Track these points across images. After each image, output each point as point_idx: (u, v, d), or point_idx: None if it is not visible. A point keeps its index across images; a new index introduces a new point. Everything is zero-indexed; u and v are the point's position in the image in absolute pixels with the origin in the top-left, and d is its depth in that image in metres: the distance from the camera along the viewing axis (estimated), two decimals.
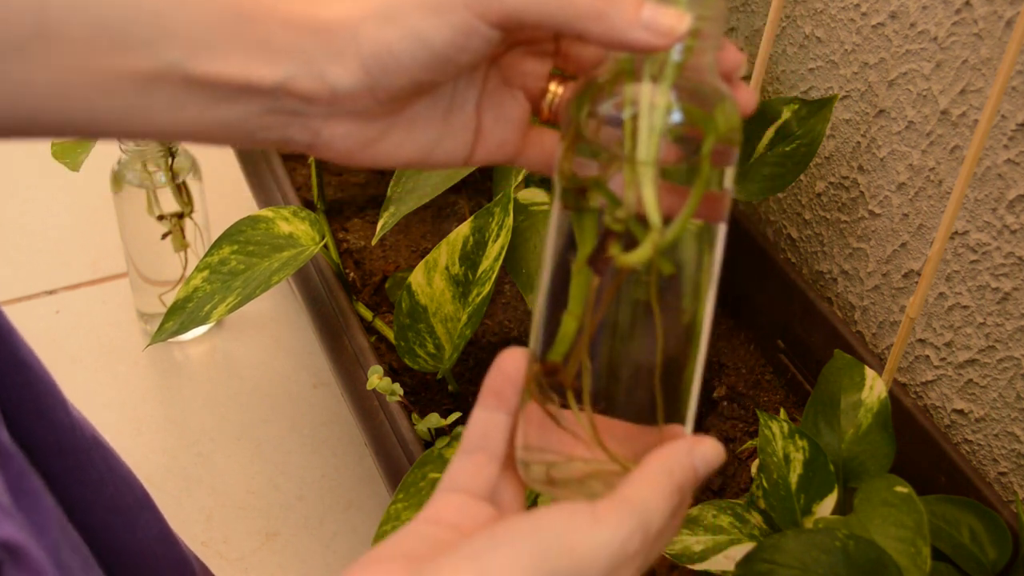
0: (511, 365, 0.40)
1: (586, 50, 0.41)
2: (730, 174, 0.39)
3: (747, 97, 0.39)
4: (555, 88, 0.42)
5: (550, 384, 0.39)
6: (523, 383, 0.40)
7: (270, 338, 1.06)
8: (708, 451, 0.38)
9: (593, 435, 0.38)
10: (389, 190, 0.80)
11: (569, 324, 0.38)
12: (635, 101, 0.37)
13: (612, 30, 0.35)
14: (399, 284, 0.93)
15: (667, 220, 0.37)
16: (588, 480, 0.39)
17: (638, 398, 0.39)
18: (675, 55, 0.37)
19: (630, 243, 0.37)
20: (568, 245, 0.39)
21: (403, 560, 0.35)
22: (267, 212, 0.85)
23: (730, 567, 0.62)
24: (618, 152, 0.37)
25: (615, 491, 0.36)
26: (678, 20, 0.35)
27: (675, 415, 0.39)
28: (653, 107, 0.36)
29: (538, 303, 0.40)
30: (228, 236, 0.83)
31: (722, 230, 0.39)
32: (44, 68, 0.35)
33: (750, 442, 0.83)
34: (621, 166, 0.37)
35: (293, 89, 0.37)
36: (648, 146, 0.36)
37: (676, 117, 0.37)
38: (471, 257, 0.77)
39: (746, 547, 0.63)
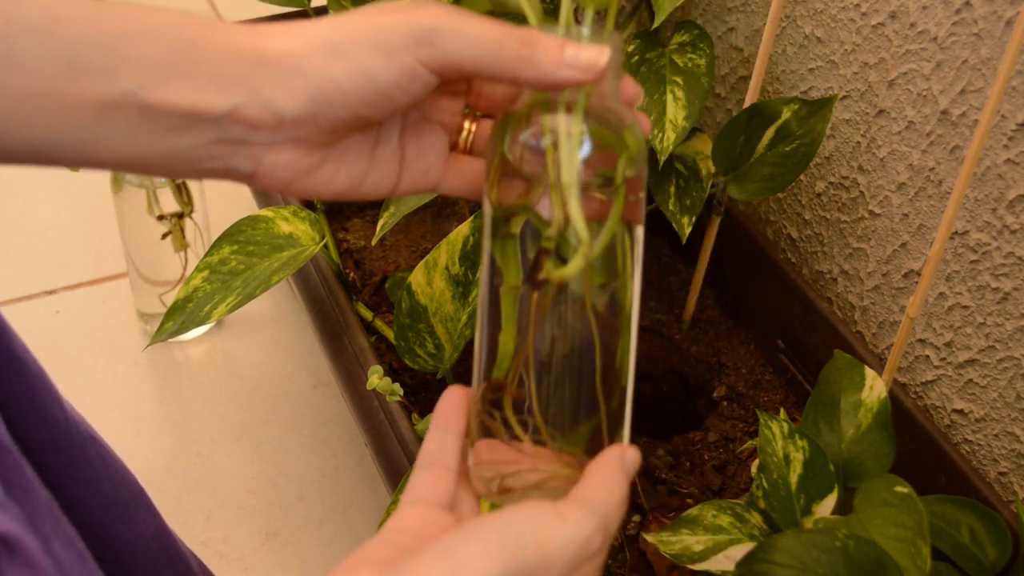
0: (458, 393, 0.44)
1: (496, 89, 0.45)
2: (642, 183, 0.43)
3: (645, 123, 0.43)
4: (469, 126, 0.46)
5: (495, 401, 0.42)
6: (470, 403, 0.43)
7: (270, 338, 1.06)
8: (632, 456, 0.42)
9: (539, 447, 0.41)
10: None
11: (506, 343, 0.41)
12: (553, 129, 0.40)
13: (541, 73, 0.39)
14: (399, 284, 0.93)
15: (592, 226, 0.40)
16: (539, 488, 0.41)
17: (579, 404, 0.42)
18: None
19: (558, 259, 0.40)
20: (496, 271, 0.42)
21: (375, 564, 0.37)
22: (267, 212, 0.85)
23: (730, 567, 0.62)
24: (543, 177, 0.40)
25: (573, 492, 0.39)
26: (598, 54, 0.39)
27: (615, 416, 0.42)
28: (570, 134, 0.40)
29: (477, 327, 0.43)
30: (228, 236, 0.83)
31: (640, 231, 0.43)
32: (8, 95, 0.36)
33: (750, 442, 0.83)
34: (546, 190, 0.40)
35: (240, 117, 0.39)
36: (570, 169, 0.39)
37: (588, 144, 0.40)
38: (471, 257, 0.77)
39: (746, 547, 0.63)
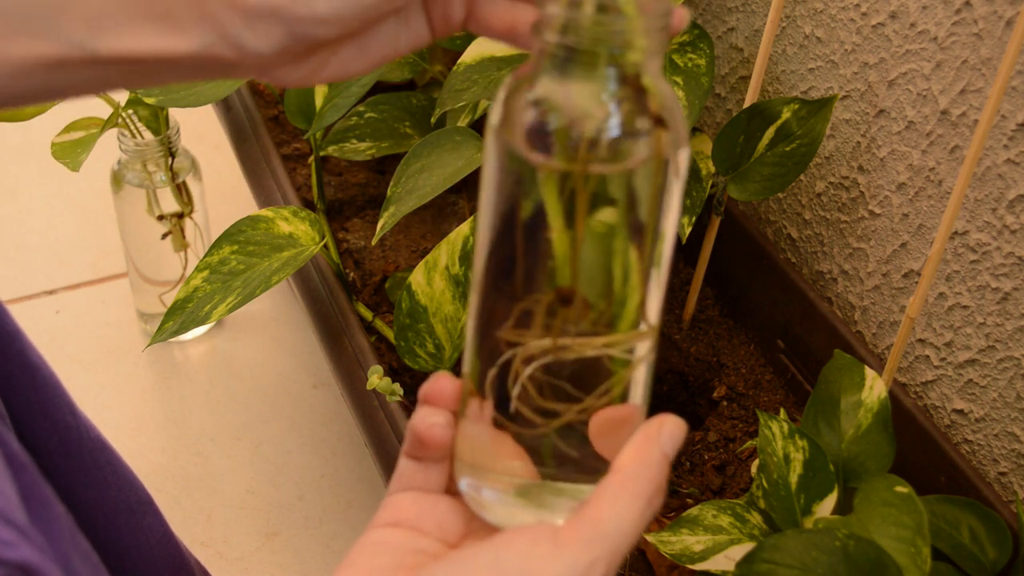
0: (444, 379, 0.40)
1: None
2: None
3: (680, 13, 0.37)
4: None
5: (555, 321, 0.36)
6: (460, 399, 0.39)
7: (270, 338, 1.06)
8: (673, 429, 0.37)
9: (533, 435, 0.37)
10: (389, 190, 0.80)
11: (562, 244, 0.35)
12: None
13: None
14: (399, 284, 0.93)
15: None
16: (535, 497, 0.38)
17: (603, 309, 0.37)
18: None
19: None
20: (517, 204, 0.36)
21: None
22: (267, 212, 0.85)
23: (730, 567, 0.62)
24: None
25: (585, 506, 0.35)
26: None
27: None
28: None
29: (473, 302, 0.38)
30: (228, 236, 0.83)
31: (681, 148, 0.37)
32: None
33: (750, 442, 0.83)
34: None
35: (215, 56, 0.34)
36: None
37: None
38: (471, 257, 0.77)
39: (746, 547, 0.63)
